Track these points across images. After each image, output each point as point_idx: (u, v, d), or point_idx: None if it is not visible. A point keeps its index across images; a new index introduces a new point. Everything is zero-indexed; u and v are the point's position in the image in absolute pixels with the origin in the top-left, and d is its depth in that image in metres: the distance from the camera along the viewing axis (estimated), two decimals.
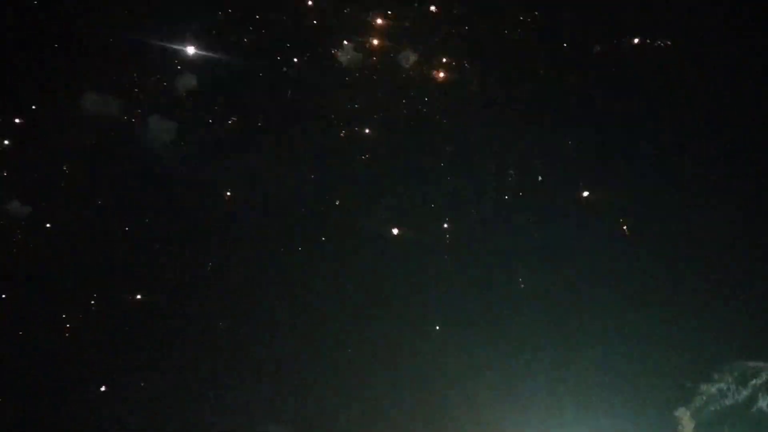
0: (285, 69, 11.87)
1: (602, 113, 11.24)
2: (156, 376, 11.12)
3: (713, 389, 1.74)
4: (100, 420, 11.00)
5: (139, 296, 11.17)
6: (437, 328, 11.49)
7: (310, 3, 11.93)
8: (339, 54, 11.88)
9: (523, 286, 11.19)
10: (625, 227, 10.98)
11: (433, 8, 11.91)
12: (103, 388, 10.99)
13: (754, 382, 1.70)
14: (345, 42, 11.81)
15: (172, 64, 11.60)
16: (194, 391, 11.26)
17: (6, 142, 11.05)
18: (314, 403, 11.56)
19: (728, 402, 1.72)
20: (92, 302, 11.15)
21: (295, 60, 11.83)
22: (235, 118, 12.06)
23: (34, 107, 11.28)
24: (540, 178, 11.46)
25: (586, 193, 11.27)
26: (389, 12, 11.89)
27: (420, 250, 11.67)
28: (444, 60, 11.83)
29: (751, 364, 1.73)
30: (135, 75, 11.54)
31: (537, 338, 11.02)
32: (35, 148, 11.15)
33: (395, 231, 11.77)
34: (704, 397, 1.75)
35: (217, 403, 11.31)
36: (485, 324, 11.34)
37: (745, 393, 1.70)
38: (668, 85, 11.14)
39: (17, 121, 11.19)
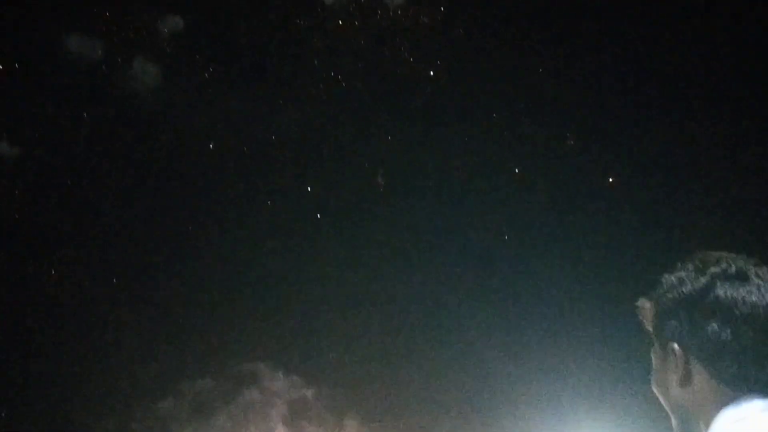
0: (269, 12, 11.86)
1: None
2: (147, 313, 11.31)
3: (673, 278, 1.86)
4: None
5: (128, 237, 11.28)
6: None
7: None
8: None
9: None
10: None
11: None
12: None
13: (712, 270, 1.80)
14: None
15: (158, 5, 11.61)
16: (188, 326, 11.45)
17: None
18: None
19: (686, 289, 1.83)
20: (79, 243, 11.28)
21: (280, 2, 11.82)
22: (220, 62, 12.09)
23: (18, 49, 11.27)
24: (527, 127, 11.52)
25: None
26: None
27: (402, 190, 11.77)
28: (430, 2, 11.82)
29: (713, 253, 1.83)
30: (119, 17, 11.58)
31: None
32: (20, 90, 11.16)
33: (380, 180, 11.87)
34: (665, 286, 1.86)
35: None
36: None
37: (702, 280, 1.80)
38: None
39: (1, 67, 11.19)
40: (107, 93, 11.64)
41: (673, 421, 1.88)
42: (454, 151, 11.80)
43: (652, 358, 1.91)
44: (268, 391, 11.59)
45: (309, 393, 11.75)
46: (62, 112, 11.39)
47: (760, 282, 1.75)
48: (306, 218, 11.89)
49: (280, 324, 11.92)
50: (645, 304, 1.92)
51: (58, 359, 11.19)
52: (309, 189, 11.89)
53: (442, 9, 11.93)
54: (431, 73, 12.08)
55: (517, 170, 11.63)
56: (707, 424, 1.74)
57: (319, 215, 11.89)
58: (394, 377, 11.95)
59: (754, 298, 1.73)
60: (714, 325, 1.75)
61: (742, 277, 1.77)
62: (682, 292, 1.83)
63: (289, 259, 11.79)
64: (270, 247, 11.82)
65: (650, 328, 1.90)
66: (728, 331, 1.73)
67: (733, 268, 1.78)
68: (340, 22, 11.98)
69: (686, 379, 1.79)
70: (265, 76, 12.10)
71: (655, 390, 1.90)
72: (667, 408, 1.88)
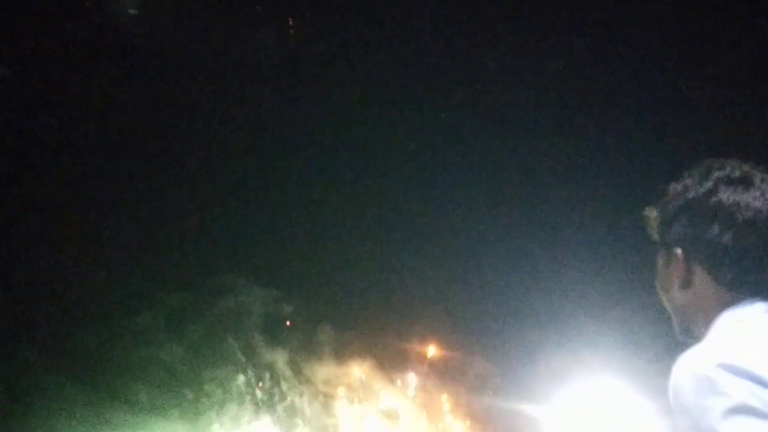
0: None
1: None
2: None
3: (679, 185, 1.88)
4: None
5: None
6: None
7: None
8: None
9: None
10: None
11: None
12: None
13: (716, 174, 1.82)
14: None
15: None
16: None
17: None
18: None
19: (690, 194, 1.85)
20: (57, 158, 11.17)
21: None
22: None
23: None
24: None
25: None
26: None
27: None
28: None
29: (719, 160, 1.85)
30: None
31: None
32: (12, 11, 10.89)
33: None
34: (671, 193, 1.89)
35: None
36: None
37: (706, 185, 1.83)
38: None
39: None
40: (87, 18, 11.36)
41: (674, 322, 1.94)
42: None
43: (657, 263, 1.95)
44: (243, 304, 11.68)
45: (284, 304, 11.87)
46: (53, 33, 11.11)
47: (765, 187, 1.77)
48: (286, 135, 11.80)
49: (256, 236, 11.96)
50: (651, 213, 1.96)
51: (31, 273, 11.16)
52: (292, 111, 11.78)
53: None
54: None
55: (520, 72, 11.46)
56: (707, 325, 1.78)
57: (300, 133, 11.79)
58: (370, 287, 12.07)
59: (757, 203, 1.75)
60: (716, 229, 1.78)
61: (746, 182, 1.79)
62: (687, 197, 1.86)
63: (265, 173, 11.76)
64: (247, 162, 11.76)
65: (655, 236, 1.94)
66: (729, 234, 1.76)
67: (737, 173, 1.81)
68: None
69: (688, 282, 1.84)
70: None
71: (658, 291, 1.96)
72: (668, 309, 1.94)
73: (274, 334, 11.83)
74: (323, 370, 11.70)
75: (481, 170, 11.53)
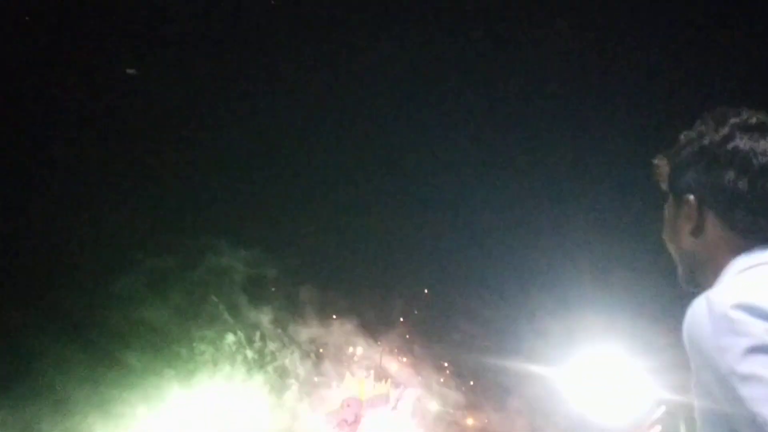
0: None
1: None
2: None
3: (693, 132, 1.88)
4: None
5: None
6: None
7: None
8: None
9: None
10: None
11: None
12: None
13: (732, 120, 1.82)
14: None
15: None
16: None
17: None
18: None
19: (705, 141, 1.81)
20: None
21: None
22: None
23: None
24: None
25: None
26: None
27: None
28: None
29: (733, 108, 1.84)
30: None
31: None
32: None
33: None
34: (684, 140, 1.88)
35: None
36: None
37: (723, 131, 1.82)
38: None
39: None
40: None
41: (680, 271, 1.93)
42: None
43: (665, 212, 1.95)
44: (227, 265, 11.66)
45: (268, 266, 11.85)
46: None
47: None
48: (270, 102, 11.71)
49: (239, 198, 11.91)
50: (661, 161, 1.95)
51: (18, 238, 11.09)
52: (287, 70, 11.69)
53: None
54: None
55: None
56: (716, 274, 1.78)
57: (284, 100, 11.71)
58: (351, 248, 12.06)
59: None
60: (731, 175, 1.77)
61: (762, 129, 1.79)
62: (701, 143, 1.85)
63: (249, 135, 11.68)
64: (231, 126, 11.68)
65: (664, 185, 1.94)
66: (745, 180, 1.76)
67: (754, 120, 1.81)
68: None
69: (699, 229, 1.83)
70: None
71: (665, 240, 1.95)
72: (675, 257, 1.93)
73: (259, 294, 11.83)
74: (308, 330, 11.73)
75: (480, 133, 11.53)
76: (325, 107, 11.85)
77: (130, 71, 11.24)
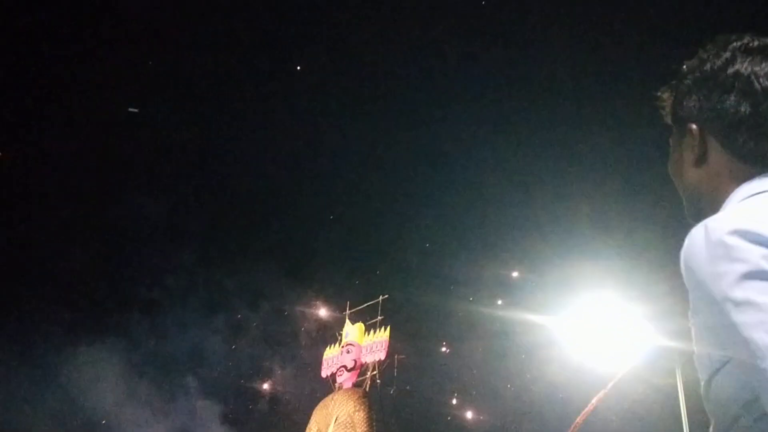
0: None
1: None
2: None
3: (694, 60, 1.83)
4: None
5: None
6: None
7: None
8: None
9: None
10: None
11: None
12: None
13: (734, 44, 1.76)
14: None
15: None
16: None
17: None
18: None
19: (706, 67, 1.74)
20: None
21: None
22: None
23: None
24: None
25: None
26: None
27: None
28: None
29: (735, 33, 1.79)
30: None
31: None
32: None
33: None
34: (685, 70, 1.83)
35: None
36: None
37: (724, 56, 1.78)
38: None
39: None
40: None
41: (686, 203, 1.89)
42: None
43: (671, 143, 1.91)
44: None
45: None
46: None
47: None
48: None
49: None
50: (664, 92, 1.90)
51: None
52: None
53: None
54: None
55: None
56: (721, 202, 1.75)
57: None
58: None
59: None
60: (733, 99, 1.70)
61: (764, 52, 1.74)
62: (702, 69, 1.80)
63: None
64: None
65: (669, 117, 1.90)
66: (747, 104, 1.68)
67: (756, 43, 1.75)
68: None
69: (702, 158, 1.76)
70: None
71: (670, 172, 1.91)
72: (680, 190, 1.88)
73: None
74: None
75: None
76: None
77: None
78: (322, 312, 12.02)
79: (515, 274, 10.62)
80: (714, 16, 9.96)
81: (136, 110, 11.00)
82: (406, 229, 11.88)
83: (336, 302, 12.03)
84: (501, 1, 11.16)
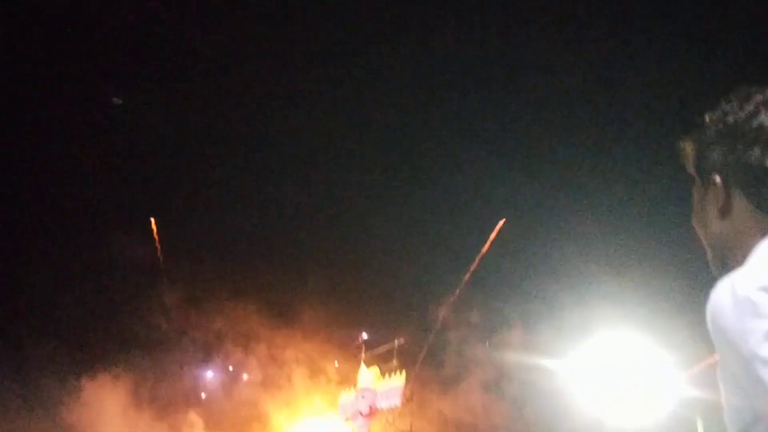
0: None
1: None
2: None
3: (716, 112, 1.83)
4: None
5: None
6: None
7: None
8: None
9: None
10: None
11: None
12: None
13: (757, 98, 1.77)
14: None
15: None
16: None
17: None
18: None
19: (730, 119, 1.82)
20: None
21: None
22: None
23: None
24: None
25: None
26: None
27: None
28: None
29: (757, 87, 1.79)
30: None
31: None
32: None
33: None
34: (708, 121, 1.83)
35: None
36: None
37: (747, 108, 1.78)
38: None
39: None
40: None
41: (709, 255, 1.87)
42: None
43: (694, 194, 1.90)
44: None
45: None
46: None
47: None
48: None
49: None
50: (686, 143, 1.90)
51: None
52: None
53: None
54: None
55: None
56: (745, 255, 1.73)
57: None
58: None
59: None
60: (757, 152, 1.71)
61: None
62: (726, 122, 1.80)
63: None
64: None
65: (691, 166, 1.89)
66: None
67: None
68: None
69: (727, 210, 1.76)
70: None
71: (694, 224, 1.90)
72: (704, 240, 1.87)
73: None
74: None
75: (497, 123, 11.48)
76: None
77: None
78: (332, 354, 12.00)
79: (531, 317, 10.52)
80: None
81: (119, 101, 11.11)
82: (422, 270, 11.82)
83: (344, 344, 11.98)
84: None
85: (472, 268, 11.16)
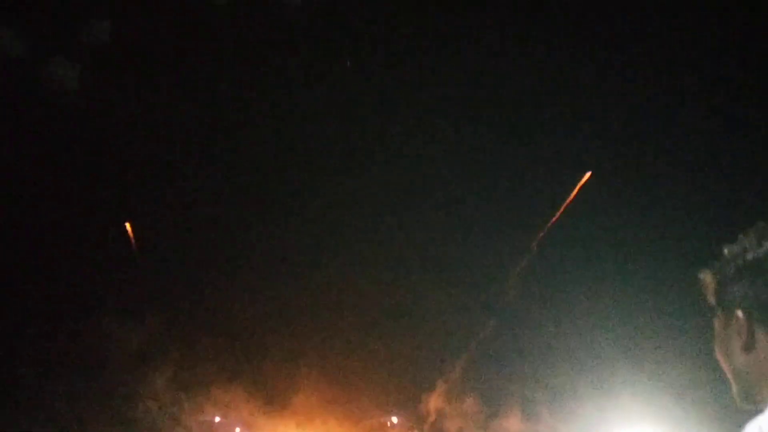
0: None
1: None
2: None
3: (736, 247, 1.86)
4: None
5: None
6: None
7: None
8: None
9: None
10: None
11: None
12: None
13: None
14: None
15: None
16: None
17: None
18: None
19: (750, 257, 1.80)
20: None
21: None
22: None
23: None
24: None
25: None
26: None
27: None
28: None
29: None
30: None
31: None
32: None
33: None
34: (728, 255, 1.87)
35: None
36: None
37: (766, 245, 1.79)
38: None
39: None
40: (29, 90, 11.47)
41: (734, 389, 1.89)
42: None
43: (716, 327, 1.91)
44: None
45: None
46: None
47: None
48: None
49: None
50: (706, 276, 1.93)
51: None
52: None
53: None
54: None
55: None
56: None
57: None
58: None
59: None
60: None
61: None
62: (746, 258, 1.83)
63: None
64: None
65: (712, 299, 1.91)
66: None
67: None
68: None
69: (750, 345, 1.80)
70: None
71: (718, 358, 1.91)
72: (729, 375, 1.90)
73: None
74: None
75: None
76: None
77: None
78: None
79: (549, 407, 10.33)
80: None
81: None
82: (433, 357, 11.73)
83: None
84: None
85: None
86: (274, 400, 12.18)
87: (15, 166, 11.50)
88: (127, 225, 11.75)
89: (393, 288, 12.08)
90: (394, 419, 11.85)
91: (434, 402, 11.45)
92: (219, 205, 12.28)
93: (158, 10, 11.47)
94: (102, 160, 11.93)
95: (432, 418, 11.54)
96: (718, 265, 1.88)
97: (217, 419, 12.20)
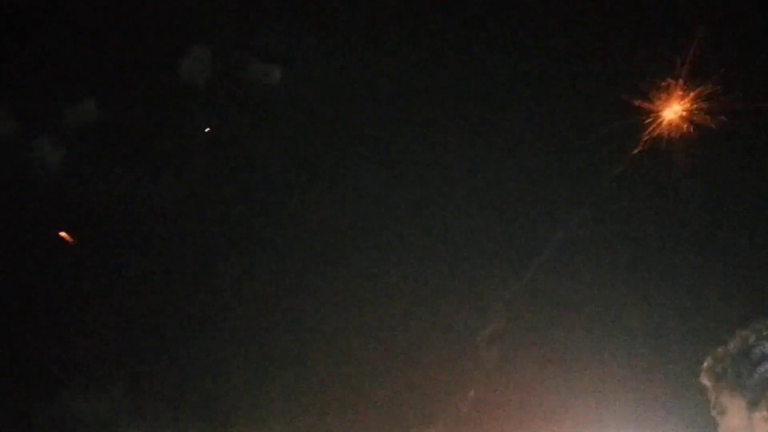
0: None
1: None
2: None
3: (734, 347, 1.89)
4: None
5: None
6: None
7: None
8: None
9: None
10: None
11: None
12: None
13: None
14: None
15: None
16: None
17: None
18: None
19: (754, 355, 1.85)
20: None
21: None
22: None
23: None
24: None
25: None
26: None
27: None
28: None
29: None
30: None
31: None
32: None
33: None
34: (728, 353, 1.90)
35: None
36: None
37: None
38: None
39: None
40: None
41: None
42: None
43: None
44: None
45: None
46: None
47: None
48: None
49: None
50: (705, 382, 1.98)
51: None
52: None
53: None
54: None
55: None
56: None
57: None
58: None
59: None
60: None
61: None
62: (749, 359, 1.87)
63: None
64: None
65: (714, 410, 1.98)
66: None
67: None
68: None
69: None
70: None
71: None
72: None
73: None
74: None
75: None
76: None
77: None
78: None
79: None
80: None
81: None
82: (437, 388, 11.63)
83: None
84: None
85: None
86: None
87: None
88: None
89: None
90: None
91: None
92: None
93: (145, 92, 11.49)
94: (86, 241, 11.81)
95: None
96: (718, 364, 1.92)
97: None
